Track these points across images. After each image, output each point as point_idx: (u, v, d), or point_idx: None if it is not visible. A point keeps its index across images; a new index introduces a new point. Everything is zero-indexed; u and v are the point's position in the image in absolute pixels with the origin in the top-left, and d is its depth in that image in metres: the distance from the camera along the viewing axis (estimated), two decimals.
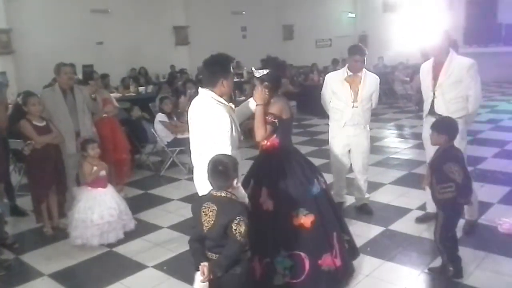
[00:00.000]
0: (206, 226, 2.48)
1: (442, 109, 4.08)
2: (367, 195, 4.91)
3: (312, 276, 3.14)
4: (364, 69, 4.52)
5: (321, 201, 3.30)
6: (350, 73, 4.48)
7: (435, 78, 4.12)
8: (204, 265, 2.44)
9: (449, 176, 3.15)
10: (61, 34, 11.44)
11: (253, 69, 3.32)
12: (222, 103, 2.97)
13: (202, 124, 2.99)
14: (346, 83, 4.48)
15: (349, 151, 4.71)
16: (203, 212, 2.50)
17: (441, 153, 3.30)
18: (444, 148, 3.30)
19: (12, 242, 4.47)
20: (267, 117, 3.21)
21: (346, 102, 4.48)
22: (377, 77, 4.69)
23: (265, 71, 3.21)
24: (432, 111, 4.17)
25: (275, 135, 3.28)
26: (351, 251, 3.50)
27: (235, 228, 2.40)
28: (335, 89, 4.56)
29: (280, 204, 3.19)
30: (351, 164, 4.83)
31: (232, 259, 2.45)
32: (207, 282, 2.46)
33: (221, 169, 2.50)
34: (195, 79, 10.65)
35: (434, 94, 4.14)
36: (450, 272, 3.37)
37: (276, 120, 3.21)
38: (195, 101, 3.12)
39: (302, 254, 3.15)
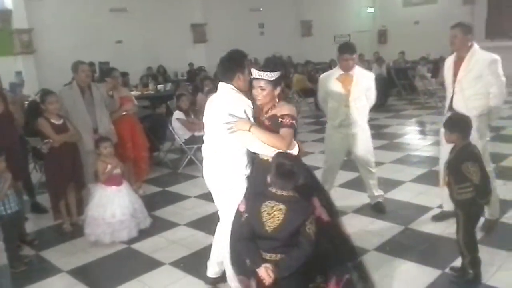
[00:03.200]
0: (269, 226, 2.37)
1: (460, 105, 3.95)
2: (380, 192, 4.79)
3: None
4: (357, 67, 4.44)
5: None
6: (342, 72, 4.41)
7: (456, 73, 3.99)
8: (267, 267, 2.35)
9: (467, 176, 3.04)
10: (81, 33, 11.58)
11: (256, 71, 2.92)
12: (241, 93, 3.02)
13: (223, 112, 2.96)
14: (338, 82, 4.40)
15: (348, 151, 4.63)
16: (265, 211, 2.40)
17: (458, 152, 3.16)
18: (460, 146, 3.16)
19: (32, 239, 4.54)
20: (283, 120, 2.86)
21: (339, 101, 4.41)
22: (372, 74, 4.64)
23: (277, 73, 2.89)
24: (451, 108, 4.06)
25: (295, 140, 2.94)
26: None
27: (309, 227, 2.34)
28: (328, 89, 4.49)
29: (331, 212, 2.90)
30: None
31: (305, 259, 2.38)
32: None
33: (289, 168, 2.42)
34: (213, 77, 10.65)
35: (453, 90, 4.02)
36: (470, 275, 3.26)
37: (294, 122, 2.87)
38: (214, 96, 3.16)
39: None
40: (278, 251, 2.40)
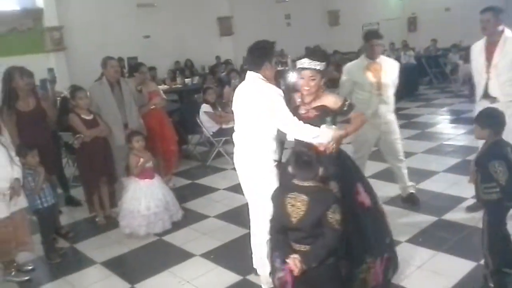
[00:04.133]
0: (294, 218, 2.39)
1: (496, 91, 3.87)
2: (411, 183, 4.67)
3: None
4: (381, 55, 4.36)
5: None
6: (370, 61, 4.31)
7: (489, 59, 3.89)
8: (295, 258, 2.37)
9: (493, 175, 2.80)
10: (110, 29, 11.75)
11: (308, 60, 2.95)
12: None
13: (255, 103, 3.06)
14: (368, 71, 4.29)
15: (378, 140, 4.52)
16: (289, 203, 2.42)
17: (487, 149, 2.93)
18: (489, 143, 2.93)
19: (66, 231, 4.66)
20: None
21: (370, 91, 4.29)
22: (396, 61, 4.56)
23: (325, 64, 2.96)
24: (486, 94, 3.96)
25: None
26: None
27: (331, 216, 2.35)
28: (358, 79, 4.37)
29: (375, 199, 3.06)
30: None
31: (330, 249, 2.38)
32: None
33: (306, 159, 2.43)
34: (240, 69, 10.65)
35: (488, 75, 3.91)
36: None
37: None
38: (243, 85, 3.23)
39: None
40: (306, 242, 2.41)
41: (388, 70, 4.33)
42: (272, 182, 3.07)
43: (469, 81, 10.66)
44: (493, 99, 3.87)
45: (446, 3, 16.56)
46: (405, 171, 4.62)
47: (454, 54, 12.17)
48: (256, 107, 3.07)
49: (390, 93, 4.37)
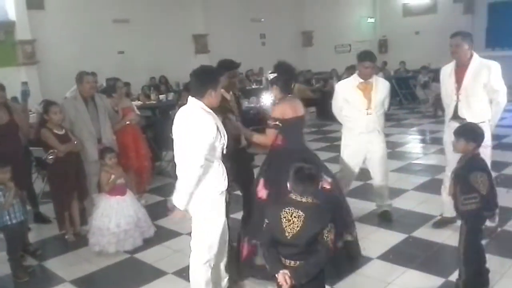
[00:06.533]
0: (289, 233, 2.38)
1: (466, 113, 4.01)
2: (389, 201, 4.80)
3: None
4: (374, 75, 4.44)
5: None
6: (361, 80, 4.40)
7: (459, 81, 4.03)
8: (285, 273, 2.36)
9: (474, 186, 2.97)
10: (84, 44, 11.63)
11: (269, 72, 3.65)
12: (210, 113, 2.97)
13: (187, 132, 2.95)
14: (358, 90, 4.39)
15: (365, 158, 4.60)
16: (284, 217, 2.40)
17: (468, 162, 3.10)
18: (470, 156, 3.11)
19: (35, 249, 4.53)
20: (269, 122, 3.57)
21: (360, 109, 4.38)
22: (387, 82, 4.65)
23: (274, 75, 3.56)
24: (455, 116, 4.09)
25: (281, 135, 3.56)
26: (349, 252, 3.71)
27: (327, 235, 2.35)
28: (348, 97, 4.46)
29: (272, 194, 3.40)
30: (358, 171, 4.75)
31: (322, 266, 2.39)
32: None
33: (310, 173, 2.42)
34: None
35: (457, 97, 4.05)
36: None
37: (277, 123, 3.51)
38: (182, 110, 3.07)
39: None
40: (297, 258, 2.41)
41: (380, 90, 4.40)
42: (218, 211, 3.13)
43: (437, 101, 11.08)
44: (462, 120, 3.99)
45: (415, 27, 17.18)
46: (386, 190, 4.73)
47: (424, 76, 12.57)
48: (188, 136, 2.93)
49: (379, 112, 4.45)
